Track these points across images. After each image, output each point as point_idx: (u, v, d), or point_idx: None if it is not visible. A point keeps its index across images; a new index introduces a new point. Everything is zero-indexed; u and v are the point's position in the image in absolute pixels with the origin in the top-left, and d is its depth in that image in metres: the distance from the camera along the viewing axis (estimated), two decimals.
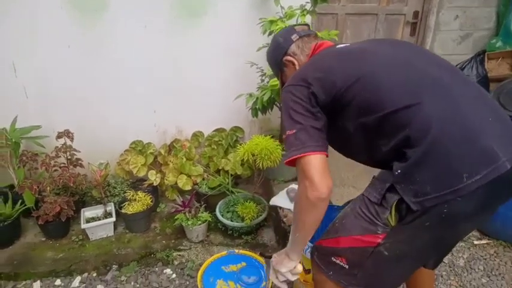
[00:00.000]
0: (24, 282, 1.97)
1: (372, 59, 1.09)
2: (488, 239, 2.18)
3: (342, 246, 1.10)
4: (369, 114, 1.04)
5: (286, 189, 2.31)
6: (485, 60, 2.78)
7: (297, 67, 1.29)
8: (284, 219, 2.13)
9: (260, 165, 2.03)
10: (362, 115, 1.06)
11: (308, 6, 2.18)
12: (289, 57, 1.30)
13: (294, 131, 1.08)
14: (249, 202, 2.26)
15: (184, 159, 2.47)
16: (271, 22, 2.09)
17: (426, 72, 1.04)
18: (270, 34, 2.17)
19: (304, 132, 1.07)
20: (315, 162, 1.05)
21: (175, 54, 2.45)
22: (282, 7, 2.26)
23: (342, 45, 1.24)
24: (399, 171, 0.99)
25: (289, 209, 2.16)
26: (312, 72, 1.11)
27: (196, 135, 2.65)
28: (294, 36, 1.30)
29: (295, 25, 1.37)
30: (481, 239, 2.19)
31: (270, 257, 2.07)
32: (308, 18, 2.24)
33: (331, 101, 1.08)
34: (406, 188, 0.98)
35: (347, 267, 1.10)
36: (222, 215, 2.27)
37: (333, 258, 1.14)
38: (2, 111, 2.31)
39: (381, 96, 1.02)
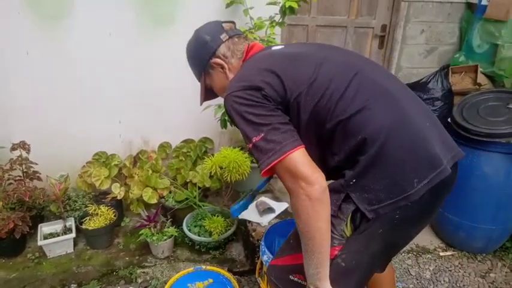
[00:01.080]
0: None
1: (325, 65, 1.04)
2: (453, 250, 2.22)
3: (299, 262, 1.04)
4: (321, 121, 1.01)
5: (255, 202, 2.28)
6: (449, 74, 2.86)
7: (227, 71, 1.19)
8: (253, 234, 2.08)
9: (228, 178, 1.98)
10: (314, 123, 1.02)
11: (277, 18, 2.16)
12: (218, 60, 1.19)
13: (262, 134, 0.98)
14: (217, 216, 2.20)
15: (151, 171, 2.38)
16: None
17: (376, 81, 1.04)
18: None
19: (274, 131, 0.98)
20: (299, 158, 0.96)
21: (141, 62, 2.37)
22: (251, 18, 2.24)
23: (280, 47, 1.18)
24: (354, 180, 0.99)
25: (257, 223, 2.12)
26: (257, 76, 1.03)
27: (164, 146, 2.57)
28: (224, 36, 1.19)
29: (222, 22, 1.26)
30: (446, 251, 2.23)
31: (239, 273, 2.03)
32: (277, 30, 2.23)
33: (283, 108, 1.02)
34: (360, 196, 0.99)
35: (305, 283, 1.06)
36: (189, 230, 2.20)
37: (290, 276, 1.11)
38: None
39: (335, 103, 0.99)
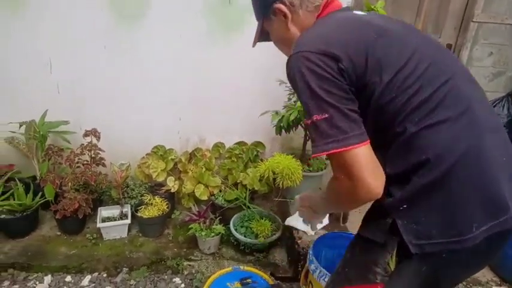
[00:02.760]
0: (35, 275, 2.00)
1: (415, 57, 0.87)
2: (509, 286, 2.10)
3: None
4: (387, 123, 0.88)
5: None
6: None
7: (289, 22, 1.03)
8: (298, 241, 2.10)
9: (281, 184, 2.02)
10: (377, 122, 0.89)
11: None
12: (282, 7, 1.02)
13: (326, 115, 0.84)
14: (265, 219, 2.25)
15: (204, 168, 2.48)
16: None
17: (463, 93, 0.88)
18: None
19: (341, 116, 0.84)
20: (363, 156, 0.83)
21: (206, 65, 2.48)
22: None
23: (364, 14, 1.01)
24: (404, 205, 0.87)
25: (304, 231, 2.14)
26: (338, 41, 0.87)
27: (218, 146, 2.66)
28: None
29: None
30: (500, 285, 2.11)
31: (281, 279, 2.06)
32: None
33: (355, 90, 0.87)
34: (408, 226, 0.87)
35: None
36: (236, 230, 2.26)
37: None
38: (34, 104, 2.38)
39: (413, 107, 0.84)
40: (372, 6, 2.00)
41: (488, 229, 0.84)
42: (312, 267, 1.64)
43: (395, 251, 0.94)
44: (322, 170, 2.44)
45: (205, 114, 2.62)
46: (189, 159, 2.57)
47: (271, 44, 2.47)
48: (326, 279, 1.49)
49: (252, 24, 2.43)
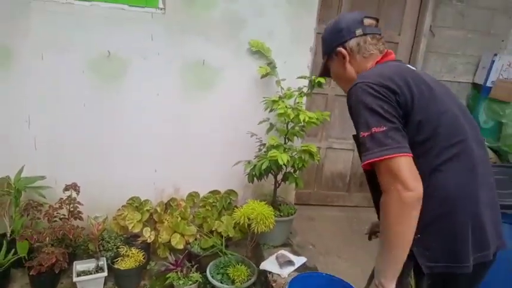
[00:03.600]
0: None
1: (445, 116, 1.11)
2: None
3: None
4: (415, 159, 1.04)
5: (275, 254, 2.43)
6: None
7: (347, 63, 1.27)
8: (273, 284, 2.21)
9: (255, 229, 2.16)
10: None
11: (305, 89, 2.47)
12: (343, 50, 1.27)
13: (384, 128, 1.03)
14: (240, 265, 2.34)
15: (179, 218, 2.57)
16: (274, 102, 2.36)
17: (474, 152, 1.12)
18: (271, 111, 2.44)
19: (396, 131, 1.03)
20: (407, 164, 1.00)
21: (181, 120, 2.67)
22: (282, 88, 2.55)
23: (415, 69, 1.25)
24: (419, 235, 1.05)
25: (278, 274, 2.26)
26: (397, 81, 1.08)
27: (192, 196, 2.77)
28: (359, 31, 1.25)
29: (365, 16, 1.29)
30: None
31: None
32: (304, 99, 2.53)
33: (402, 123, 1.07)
34: (421, 251, 1.09)
35: None
36: (213, 277, 2.33)
37: None
38: (10, 160, 2.42)
39: (432, 154, 1.08)
40: None
41: (477, 258, 1.10)
42: None
43: (412, 271, 1.17)
44: (292, 214, 2.61)
45: (180, 165, 2.76)
46: (164, 210, 2.66)
47: (240, 99, 2.79)
48: None
49: (222, 84, 2.69)
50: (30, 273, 2.14)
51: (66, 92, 2.47)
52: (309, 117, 2.18)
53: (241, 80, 2.66)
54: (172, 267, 2.31)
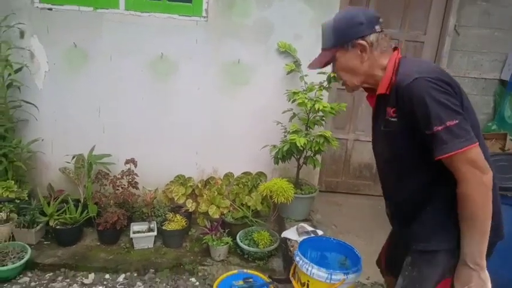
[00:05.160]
0: (82, 273, 2.51)
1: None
2: None
3: None
4: None
5: (296, 226, 2.80)
6: None
7: (365, 57, 1.29)
8: (291, 249, 2.59)
9: (276, 199, 2.56)
10: None
11: (325, 84, 2.83)
12: (364, 43, 1.27)
13: (456, 121, 1.09)
14: (264, 232, 2.75)
15: (216, 193, 3.04)
16: (294, 93, 2.75)
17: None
18: (293, 101, 2.82)
19: (465, 122, 1.11)
20: (480, 151, 1.12)
21: (219, 110, 3.15)
22: (305, 82, 2.93)
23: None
24: None
25: (296, 241, 2.63)
26: (446, 75, 1.17)
27: (228, 176, 3.23)
28: (378, 28, 1.29)
29: (377, 14, 1.32)
30: None
31: (277, 280, 2.51)
32: (324, 93, 2.89)
33: None
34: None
35: None
36: (241, 241, 2.76)
37: None
38: (84, 141, 3.04)
39: None
40: None
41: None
42: (297, 259, 2.12)
43: None
44: (312, 193, 2.97)
45: (218, 149, 3.23)
46: (204, 186, 3.14)
47: (269, 92, 3.25)
48: (308, 268, 1.94)
49: (255, 80, 3.09)
50: (98, 229, 2.72)
51: (129, 87, 3.05)
52: (324, 106, 2.54)
53: (270, 76, 3.08)
54: (208, 231, 2.77)
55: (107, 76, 3.02)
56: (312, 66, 1.42)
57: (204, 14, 3.01)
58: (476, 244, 1.16)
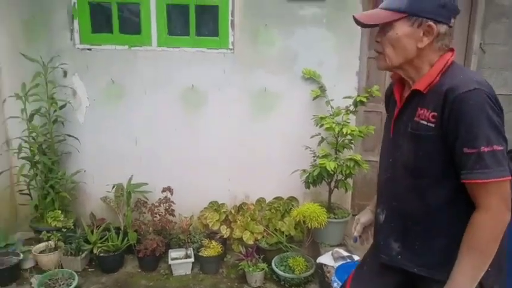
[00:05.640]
0: None
1: None
2: None
3: None
4: None
5: (331, 251, 2.81)
6: None
7: (423, 43, 1.12)
8: (327, 274, 2.60)
9: (309, 225, 2.59)
10: None
11: (351, 108, 2.88)
12: (434, 28, 1.10)
13: (502, 147, 1.03)
14: (299, 257, 2.78)
15: (249, 218, 3.10)
16: (322, 118, 2.82)
17: None
18: (321, 126, 2.88)
19: (505, 152, 1.04)
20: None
21: (248, 137, 3.24)
22: (331, 107, 2.99)
23: None
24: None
25: (332, 266, 2.64)
26: (498, 102, 1.07)
27: (260, 201, 3.29)
28: (452, 22, 1.13)
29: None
30: None
31: None
32: (351, 116, 2.94)
33: None
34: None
35: None
36: (277, 267, 2.80)
37: None
38: (123, 171, 3.19)
39: None
40: (369, 90, 2.71)
41: None
42: (335, 285, 2.15)
43: None
44: (345, 217, 2.98)
45: (249, 175, 3.31)
46: (237, 211, 3.22)
47: (296, 118, 3.32)
48: None
49: (280, 107, 3.17)
50: (139, 256, 2.83)
51: (162, 118, 3.20)
52: (352, 130, 2.59)
53: (296, 102, 3.17)
54: (243, 257, 2.83)
55: (142, 109, 3.19)
56: (361, 18, 1.18)
57: (230, 46, 3.16)
58: (470, 279, 1.07)
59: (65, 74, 3.17)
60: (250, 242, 3.02)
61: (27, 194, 3.15)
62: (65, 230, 2.91)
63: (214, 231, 3.16)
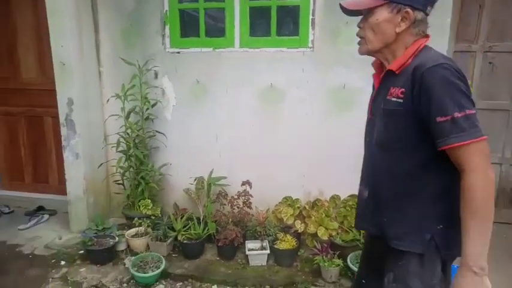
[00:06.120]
0: (206, 284, 2.78)
1: None
2: None
3: None
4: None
5: None
6: None
7: (399, 28, 1.23)
8: None
9: None
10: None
11: None
12: (412, 16, 1.21)
13: (473, 111, 1.09)
14: None
15: (324, 214, 3.11)
16: None
17: None
18: None
19: (476, 115, 1.10)
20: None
21: (324, 134, 3.26)
22: None
23: None
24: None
25: None
26: (465, 77, 1.15)
27: (334, 198, 3.28)
28: (429, 10, 1.24)
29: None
30: None
31: None
32: None
33: None
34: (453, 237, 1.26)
35: None
36: (353, 264, 2.76)
37: None
38: (204, 164, 3.41)
39: None
40: None
41: None
42: None
43: None
44: None
45: (324, 172, 3.32)
46: (311, 207, 3.24)
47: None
48: None
49: (361, 104, 3.15)
50: (218, 244, 2.99)
51: (242, 116, 3.37)
52: None
53: None
54: (318, 252, 2.85)
55: (223, 107, 3.39)
56: (346, 4, 1.32)
57: (310, 44, 3.22)
58: (481, 244, 1.09)
59: (156, 75, 3.49)
60: (325, 238, 3.02)
61: (121, 183, 3.51)
62: (153, 217, 3.19)
63: (289, 226, 3.22)
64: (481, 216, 1.09)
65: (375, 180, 1.39)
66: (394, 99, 1.23)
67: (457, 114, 1.08)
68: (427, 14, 1.24)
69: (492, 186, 1.10)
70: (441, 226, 1.22)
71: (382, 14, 1.24)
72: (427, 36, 1.28)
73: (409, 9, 1.21)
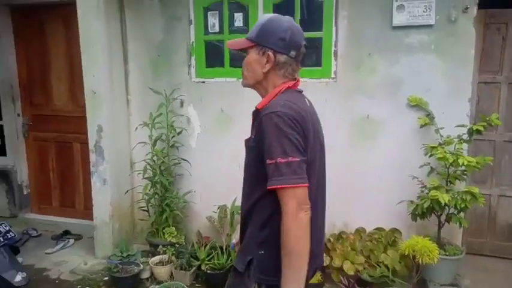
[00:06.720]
0: None
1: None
2: None
3: None
4: None
5: None
6: None
7: (264, 70, 1.34)
8: None
9: (420, 260, 2.45)
10: None
11: (465, 137, 2.70)
12: (271, 58, 1.32)
13: (298, 159, 1.19)
14: None
15: (349, 248, 3.04)
16: (433, 148, 2.69)
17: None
18: (431, 156, 2.75)
19: (303, 164, 1.21)
20: (307, 193, 1.22)
21: (349, 164, 3.23)
22: (441, 135, 2.84)
23: (309, 107, 1.43)
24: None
25: None
26: (306, 123, 1.26)
27: (359, 231, 3.21)
28: (293, 53, 1.33)
29: (304, 41, 1.38)
30: None
31: None
32: (465, 146, 2.75)
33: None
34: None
35: None
36: None
37: None
38: (228, 193, 3.40)
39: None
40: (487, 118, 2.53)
41: None
42: None
43: None
44: (458, 254, 2.75)
45: (349, 203, 3.27)
46: (336, 240, 3.18)
47: (400, 146, 3.21)
48: None
49: (384, 135, 3.14)
50: None
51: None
52: (468, 161, 2.41)
53: (401, 129, 3.08)
54: (345, 287, 2.77)
55: (247, 136, 3.40)
56: (228, 43, 1.48)
57: (332, 75, 3.24)
58: (294, 280, 1.20)
59: (182, 104, 3.57)
60: (351, 273, 2.95)
61: (146, 210, 3.55)
62: (177, 245, 3.20)
63: None
64: (294, 254, 1.20)
65: (241, 203, 1.52)
66: (253, 136, 1.37)
67: (280, 160, 1.19)
68: (291, 57, 1.33)
69: (304, 229, 1.20)
70: (262, 252, 1.33)
71: (252, 55, 1.37)
72: (295, 79, 1.39)
73: (270, 52, 1.32)
